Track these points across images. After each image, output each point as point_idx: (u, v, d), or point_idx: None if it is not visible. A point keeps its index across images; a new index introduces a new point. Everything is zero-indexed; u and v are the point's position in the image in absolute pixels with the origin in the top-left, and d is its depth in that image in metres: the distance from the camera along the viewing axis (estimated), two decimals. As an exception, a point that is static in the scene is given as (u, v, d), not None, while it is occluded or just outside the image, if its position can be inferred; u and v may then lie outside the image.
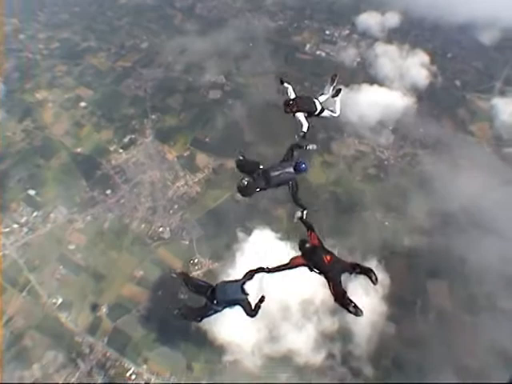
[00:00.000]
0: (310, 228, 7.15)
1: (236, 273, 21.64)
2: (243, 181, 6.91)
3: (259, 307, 7.02)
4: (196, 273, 25.17)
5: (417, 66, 36.96)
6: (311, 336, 22.11)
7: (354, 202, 27.91)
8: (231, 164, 29.57)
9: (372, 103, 31.27)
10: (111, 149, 30.84)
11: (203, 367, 23.36)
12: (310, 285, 21.84)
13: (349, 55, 38.77)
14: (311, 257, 6.70)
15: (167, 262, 25.51)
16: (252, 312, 6.99)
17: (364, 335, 22.04)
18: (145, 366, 23.72)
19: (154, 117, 32.99)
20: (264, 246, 23.33)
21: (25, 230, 28.32)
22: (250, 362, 22.03)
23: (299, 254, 6.83)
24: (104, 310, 25.27)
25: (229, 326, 21.29)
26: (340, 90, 8.00)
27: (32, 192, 29.75)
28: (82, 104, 34.87)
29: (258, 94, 35.11)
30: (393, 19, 42.01)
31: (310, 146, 7.46)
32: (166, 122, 32.69)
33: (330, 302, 19.27)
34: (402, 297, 23.73)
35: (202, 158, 30.17)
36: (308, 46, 39.80)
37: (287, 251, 22.22)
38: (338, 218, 26.87)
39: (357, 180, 29.40)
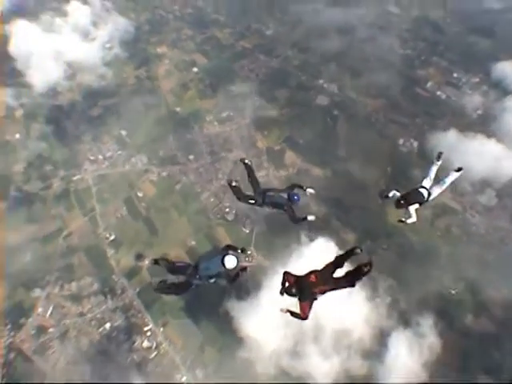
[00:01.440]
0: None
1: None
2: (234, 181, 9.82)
3: (238, 276, 8.84)
4: (244, 263, 29.49)
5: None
6: (334, 369, 24.66)
7: (425, 256, 29.98)
8: (317, 172, 33.97)
9: (483, 157, 32.70)
10: (207, 119, 37.55)
11: (215, 354, 27.18)
12: (353, 316, 24.73)
13: (472, 102, 40.36)
14: (302, 292, 8.11)
15: (221, 243, 30.24)
16: (231, 281, 8.81)
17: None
18: (161, 329, 28.43)
19: (257, 103, 38.97)
20: (322, 255, 26.82)
21: (106, 163, 36.20)
22: (263, 368, 25.21)
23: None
24: (146, 262, 30.84)
25: (257, 321, 24.94)
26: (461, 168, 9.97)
27: (124, 132, 37.62)
28: (195, 69, 42.89)
29: (365, 113, 39.07)
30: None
31: (310, 218, 9.66)
32: (267, 111, 38.39)
33: (367, 343, 22.44)
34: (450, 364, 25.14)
35: (290, 157, 35.15)
36: (430, 83, 42.51)
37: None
38: (404, 264, 29.37)
39: (436, 234, 31.28)
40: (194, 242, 31.28)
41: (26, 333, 28.23)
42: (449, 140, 34.68)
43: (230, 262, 8.48)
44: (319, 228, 29.41)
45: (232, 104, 39.16)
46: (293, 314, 8.35)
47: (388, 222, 31.00)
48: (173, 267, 9.06)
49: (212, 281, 8.79)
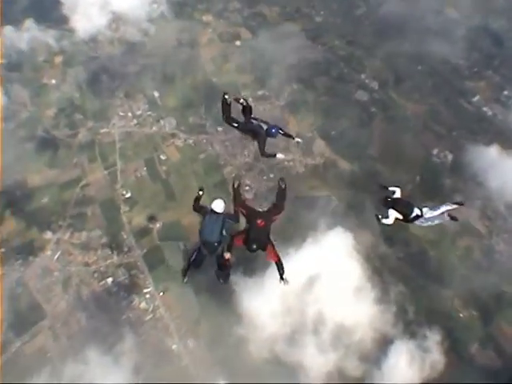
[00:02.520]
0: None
1: (297, 256, 25.56)
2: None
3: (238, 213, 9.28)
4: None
5: None
6: (328, 365, 24.47)
7: (440, 272, 29.13)
8: (344, 165, 33.29)
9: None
10: (243, 93, 37.00)
11: (210, 328, 27.31)
12: (358, 316, 24.38)
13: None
14: (260, 241, 8.53)
15: (234, 218, 30.18)
16: (238, 217, 9.30)
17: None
18: (161, 294, 28.66)
19: (295, 86, 38.25)
20: (338, 246, 26.60)
21: (135, 121, 36.40)
22: (256, 350, 25.17)
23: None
24: (158, 225, 31.02)
25: (259, 301, 24.84)
26: (457, 219, 9.91)
27: (156, 94, 37.62)
28: (237, 43, 42.27)
29: (403, 116, 37.85)
30: None
31: (279, 155, 10.51)
32: (304, 96, 37.68)
33: (367, 346, 22.08)
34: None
35: (320, 146, 34.49)
36: (477, 97, 40.62)
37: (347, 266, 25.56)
38: (418, 275, 28.79)
39: (456, 254, 30.31)
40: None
41: (34, 271, 29.11)
42: (488, 156, 33.21)
43: (218, 205, 9.01)
44: (339, 219, 28.99)
45: (270, 84, 38.48)
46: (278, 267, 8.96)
47: (408, 229, 30.19)
48: (193, 261, 9.43)
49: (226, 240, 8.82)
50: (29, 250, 29.99)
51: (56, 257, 29.97)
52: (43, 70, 41.20)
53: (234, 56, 41.12)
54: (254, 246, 8.29)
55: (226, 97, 9.93)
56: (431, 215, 9.63)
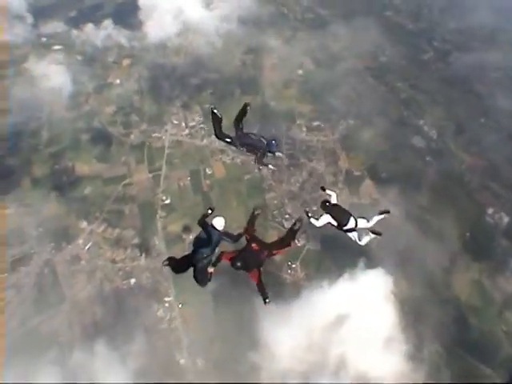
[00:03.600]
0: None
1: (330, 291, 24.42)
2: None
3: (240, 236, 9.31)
4: (287, 276, 28.59)
5: None
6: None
7: (481, 344, 26.77)
8: (391, 209, 31.83)
9: None
10: (298, 122, 37.51)
11: (222, 350, 26.39)
12: (384, 368, 22.74)
13: None
14: (248, 262, 8.75)
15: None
16: (237, 237, 9.25)
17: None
18: (180, 306, 28.48)
19: (351, 122, 38.09)
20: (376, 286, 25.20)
21: (187, 131, 37.35)
22: (266, 381, 24.11)
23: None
24: (191, 237, 30.74)
25: (280, 331, 23.61)
26: (380, 233, 9.67)
27: (215, 110, 38.26)
28: (300, 71, 43.47)
29: (459, 169, 36.15)
30: None
31: (271, 166, 10.29)
32: (359, 133, 37.45)
33: None
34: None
35: (368, 186, 33.73)
36: None
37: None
38: (457, 339, 26.67)
39: (501, 328, 27.73)
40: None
41: (63, 256, 29.96)
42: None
43: (219, 222, 8.90)
44: (380, 260, 27.79)
45: (326, 116, 38.39)
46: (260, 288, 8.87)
47: (450, 285, 28.44)
48: (179, 263, 9.19)
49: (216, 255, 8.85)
50: (63, 236, 30.97)
51: (87, 247, 30.66)
52: (111, 69, 43.96)
53: (295, 84, 41.65)
54: (239, 264, 8.50)
55: (215, 111, 10.12)
56: (363, 226, 9.64)
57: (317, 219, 9.43)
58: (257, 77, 41.98)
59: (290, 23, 50.02)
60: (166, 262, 9.19)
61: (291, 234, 8.97)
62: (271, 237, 30.30)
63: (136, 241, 30.88)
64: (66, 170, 35.26)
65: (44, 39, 46.22)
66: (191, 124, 37.75)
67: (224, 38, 45.94)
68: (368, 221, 9.67)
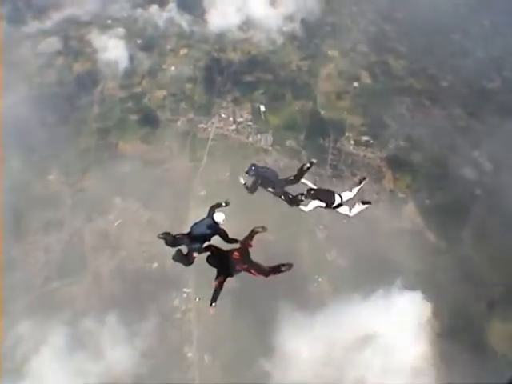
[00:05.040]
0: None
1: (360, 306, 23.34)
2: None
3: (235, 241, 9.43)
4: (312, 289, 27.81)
5: None
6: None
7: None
8: (432, 239, 30.88)
9: None
10: (346, 134, 36.95)
11: (232, 352, 25.83)
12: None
13: None
14: (222, 265, 8.69)
15: (295, 256, 28.81)
16: (230, 240, 9.39)
17: None
18: (197, 299, 28.18)
19: (402, 143, 36.94)
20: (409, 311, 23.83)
21: (234, 127, 37.60)
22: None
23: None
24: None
25: (299, 341, 22.77)
26: (369, 202, 10.56)
27: (263, 108, 38.50)
28: (355, 84, 42.60)
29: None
30: None
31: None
32: (408, 155, 36.19)
33: None
34: None
35: (410, 211, 32.39)
36: None
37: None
38: None
39: None
40: (272, 238, 30.24)
41: (93, 228, 31.21)
42: None
43: (219, 216, 9.39)
44: (420, 283, 26.55)
45: (377, 132, 37.50)
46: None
47: (487, 332, 26.67)
48: (173, 240, 9.40)
49: (206, 244, 9.15)
50: (96, 209, 31.97)
51: (116, 223, 31.27)
52: (167, 56, 45.24)
53: (349, 96, 40.95)
54: (212, 262, 8.65)
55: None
56: (349, 197, 10.29)
57: (306, 205, 10.06)
58: (311, 83, 41.71)
59: (352, 34, 49.54)
60: (162, 236, 9.36)
61: (274, 270, 8.81)
62: (301, 246, 30.00)
63: (165, 225, 30.99)
64: (109, 146, 36.51)
65: (109, 20, 48.59)
66: (239, 120, 38.04)
67: (286, 35, 46.25)
68: (351, 190, 10.48)
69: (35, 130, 37.42)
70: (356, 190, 10.52)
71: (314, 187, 10.32)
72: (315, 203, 10.05)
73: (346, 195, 10.32)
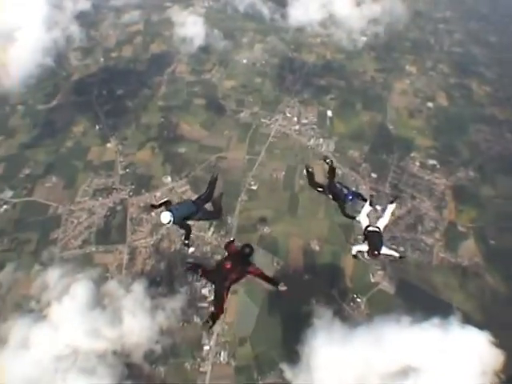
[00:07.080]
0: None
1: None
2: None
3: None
4: (347, 307, 26.72)
5: None
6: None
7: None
8: (490, 280, 28.35)
9: None
10: (412, 154, 35.62)
11: (250, 355, 25.45)
12: None
13: None
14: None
15: (340, 270, 28.16)
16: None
17: None
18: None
19: (471, 173, 34.71)
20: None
21: (296, 127, 37.64)
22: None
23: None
24: (265, 230, 30.40)
25: (333, 351, 22.13)
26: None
27: (330, 113, 38.24)
28: (430, 104, 40.82)
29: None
30: None
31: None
32: (476, 186, 34.01)
33: None
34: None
35: (469, 247, 29.92)
36: None
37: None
38: None
39: None
40: (317, 248, 29.58)
41: (137, 202, 32.09)
42: None
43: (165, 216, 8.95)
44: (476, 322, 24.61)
45: (445, 157, 35.56)
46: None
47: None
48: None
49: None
50: (145, 183, 33.06)
51: (161, 201, 31.54)
52: (242, 49, 46.38)
53: (421, 115, 39.30)
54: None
55: (310, 170, 11.50)
56: (384, 224, 9.67)
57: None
58: (383, 96, 40.63)
59: (434, 54, 47.76)
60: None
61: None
62: (346, 260, 28.95)
63: (208, 213, 31.21)
64: (170, 125, 37.68)
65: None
66: (303, 121, 37.85)
67: (365, 39, 45.66)
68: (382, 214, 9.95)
69: (103, 99, 39.71)
70: (388, 213, 9.92)
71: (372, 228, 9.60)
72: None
73: (382, 223, 9.69)
